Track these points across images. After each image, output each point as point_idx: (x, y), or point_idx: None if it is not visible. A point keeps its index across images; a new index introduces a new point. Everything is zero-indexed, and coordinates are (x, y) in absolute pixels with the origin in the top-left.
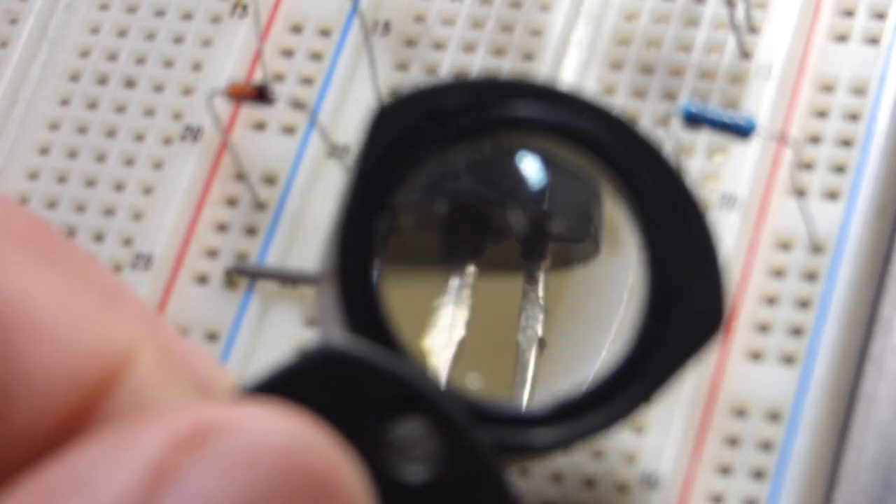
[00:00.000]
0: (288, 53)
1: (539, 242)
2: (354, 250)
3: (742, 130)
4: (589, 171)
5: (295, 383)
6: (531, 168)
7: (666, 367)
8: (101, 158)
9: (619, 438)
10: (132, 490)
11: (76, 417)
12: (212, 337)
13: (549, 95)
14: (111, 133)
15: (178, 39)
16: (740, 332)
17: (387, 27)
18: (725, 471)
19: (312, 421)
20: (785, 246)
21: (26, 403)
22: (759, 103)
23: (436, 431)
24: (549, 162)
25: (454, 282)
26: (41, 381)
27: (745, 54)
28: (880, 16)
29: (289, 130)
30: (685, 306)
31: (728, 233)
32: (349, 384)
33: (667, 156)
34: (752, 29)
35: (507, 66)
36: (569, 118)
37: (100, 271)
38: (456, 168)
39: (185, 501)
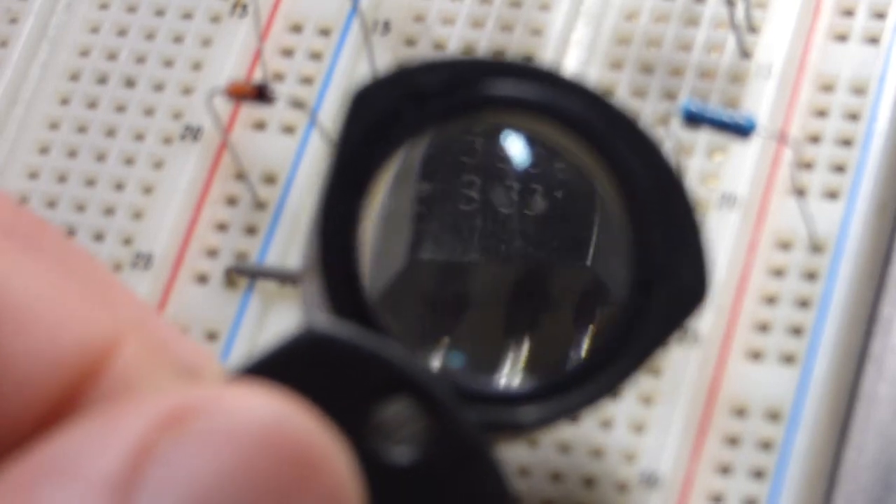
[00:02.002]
0: (288, 53)
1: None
2: (336, 233)
3: (742, 130)
4: (571, 148)
5: (280, 366)
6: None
7: (650, 342)
8: (100, 158)
9: (619, 438)
10: (117, 469)
11: (61, 404)
12: (212, 336)
13: (529, 74)
14: (111, 132)
15: (178, 39)
16: (740, 331)
17: (387, 27)
18: (725, 470)
19: (295, 400)
20: (785, 246)
21: (10, 390)
22: (759, 103)
23: (423, 412)
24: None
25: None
26: (24, 368)
27: (744, 54)
28: (880, 16)
29: (289, 130)
30: (669, 281)
31: (728, 232)
32: (335, 367)
33: (646, 130)
34: (752, 28)
35: None
36: (548, 96)
37: (84, 258)
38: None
39: (168, 479)
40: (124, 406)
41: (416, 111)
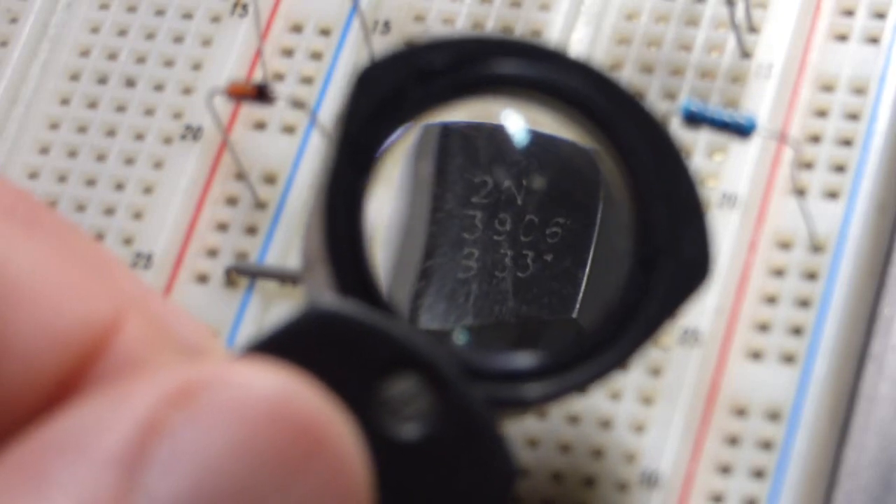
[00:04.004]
0: (288, 53)
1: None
2: (342, 211)
3: (742, 130)
4: (574, 125)
5: (287, 344)
6: None
7: (655, 318)
8: (101, 158)
9: (619, 438)
10: (125, 445)
11: (65, 382)
12: None
13: (533, 53)
14: (111, 132)
15: (178, 39)
16: (740, 331)
17: (387, 26)
18: (725, 470)
19: (301, 375)
20: (785, 245)
21: (14, 368)
22: (760, 103)
23: (429, 388)
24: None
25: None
26: (27, 346)
27: (745, 54)
28: (880, 15)
29: (289, 130)
30: (672, 257)
31: (728, 232)
32: (341, 344)
33: (650, 109)
34: (753, 28)
35: None
36: (553, 75)
37: (85, 240)
38: None
39: (176, 454)
40: (131, 383)
41: (422, 89)
